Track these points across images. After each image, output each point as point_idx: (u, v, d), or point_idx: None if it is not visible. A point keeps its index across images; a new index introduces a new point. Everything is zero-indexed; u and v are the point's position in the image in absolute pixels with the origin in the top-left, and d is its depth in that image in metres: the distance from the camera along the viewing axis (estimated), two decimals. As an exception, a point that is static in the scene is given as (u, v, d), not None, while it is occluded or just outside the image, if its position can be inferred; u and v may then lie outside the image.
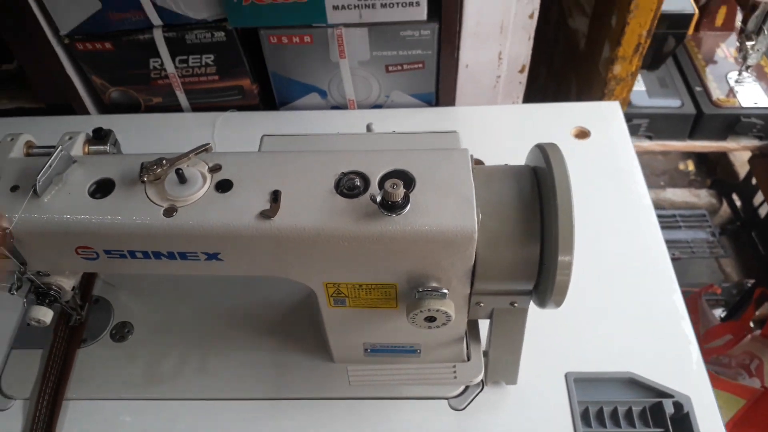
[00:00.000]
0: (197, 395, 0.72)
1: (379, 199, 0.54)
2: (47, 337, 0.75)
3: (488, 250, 0.57)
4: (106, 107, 1.05)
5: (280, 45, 0.94)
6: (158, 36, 0.92)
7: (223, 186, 0.57)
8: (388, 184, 0.53)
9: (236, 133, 1.01)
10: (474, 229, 0.55)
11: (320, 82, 1.00)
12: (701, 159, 2.27)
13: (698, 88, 1.42)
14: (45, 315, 0.64)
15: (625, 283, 0.81)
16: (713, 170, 2.19)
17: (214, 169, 0.58)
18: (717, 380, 1.38)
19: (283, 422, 0.71)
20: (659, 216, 1.98)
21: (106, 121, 1.04)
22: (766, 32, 1.32)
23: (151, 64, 0.97)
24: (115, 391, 0.72)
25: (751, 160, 1.52)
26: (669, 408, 0.69)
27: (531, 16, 1.01)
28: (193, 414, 0.71)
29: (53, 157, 0.56)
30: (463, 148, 0.60)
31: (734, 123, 1.38)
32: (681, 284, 1.86)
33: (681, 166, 2.29)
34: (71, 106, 1.03)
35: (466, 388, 0.72)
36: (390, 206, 0.54)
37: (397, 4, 0.87)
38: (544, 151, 0.59)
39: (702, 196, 2.04)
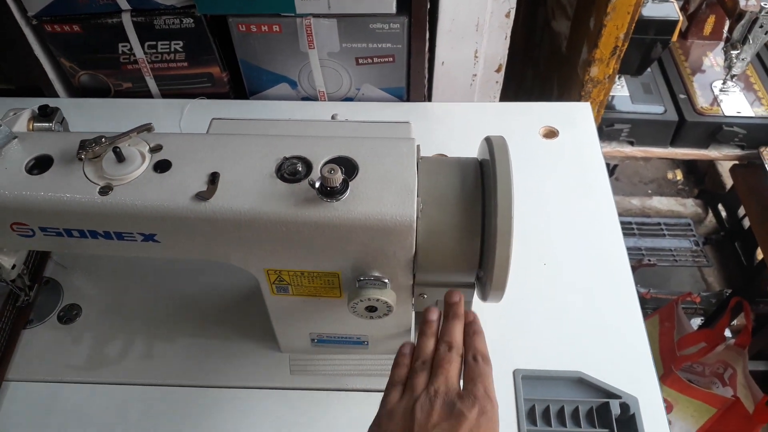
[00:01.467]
0: (139, 380, 0.71)
1: (317, 184, 0.54)
2: (-6, 317, 0.74)
3: (429, 241, 0.57)
4: (75, 91, 1.05)
5: (249, 33, 0.93)
6: (127, 20, 0.92)
7: (162, 166, 0.56)
8: (325, 169, 0.53)
9: (204, 120, 1.00)
10: (413, 217, 0.54)
11: (290, 72, 0.99)
12: (690, 168, 2.26)
13: (682, 96, 1.41)
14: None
15: (581, 282, 0.80)
16: (701, 180, 2.19)
17: (155, 149, 0.58)
18: (689, 388, 1.37)
19: (223, 410, 0.70)
20: (643, 224, 1.98)
21: (75, 105, 1.04)
22: (751, 41, 1.31)
23: (120, 48, 0.96)
24: (57, 373, 0.72)
25: (732, 170, 1.51)
26: (615, 409, 0.68)
27: (507, 15, 1.00)
28: (134, 399, 0.70)
29: (-9, 131, 0.56)
30: (410, 138, 0.60)
31: (716, 131, 1.36)
32: (662, 292, 1.83)
33: (669, 175, 2.29)
34: (40, 88, 1.02)
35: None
36: (328, 192, 0.54)
37: (366, -5, 0.87)
38: (490, 144, 0.58)
39: (688, 206, 2.03)
